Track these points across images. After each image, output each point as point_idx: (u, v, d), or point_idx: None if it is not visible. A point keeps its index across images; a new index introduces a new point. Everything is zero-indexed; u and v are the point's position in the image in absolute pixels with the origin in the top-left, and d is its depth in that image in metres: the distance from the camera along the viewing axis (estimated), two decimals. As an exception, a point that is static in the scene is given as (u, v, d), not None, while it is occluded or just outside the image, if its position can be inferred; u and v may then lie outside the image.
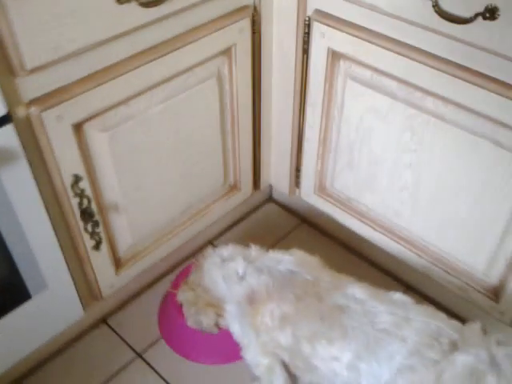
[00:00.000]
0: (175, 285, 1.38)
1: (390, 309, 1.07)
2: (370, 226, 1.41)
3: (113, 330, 1.45)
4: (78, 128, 1.03)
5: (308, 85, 1.31)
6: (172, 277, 1.55)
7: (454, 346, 1.00)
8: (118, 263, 1.28)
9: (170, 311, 1.40)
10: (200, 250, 1.62)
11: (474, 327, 1.03)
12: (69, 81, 0.97)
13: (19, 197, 0.99)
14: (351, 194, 1.41)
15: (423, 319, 1.05)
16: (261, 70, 1.33)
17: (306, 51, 1.28)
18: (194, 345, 1.39)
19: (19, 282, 1.09)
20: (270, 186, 1.74)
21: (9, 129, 0.91)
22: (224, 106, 1.30)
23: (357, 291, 1.11)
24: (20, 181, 0.98)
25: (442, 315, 1.07)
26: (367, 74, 1.20)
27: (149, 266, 1.37)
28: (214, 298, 1.24)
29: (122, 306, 1.50)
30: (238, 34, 1.20)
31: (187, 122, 1.23)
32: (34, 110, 0.94)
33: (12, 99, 0.91)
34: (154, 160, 1.21)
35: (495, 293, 1.26)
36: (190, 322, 1.28)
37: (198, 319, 1.26)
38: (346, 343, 1.06)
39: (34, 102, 0.94)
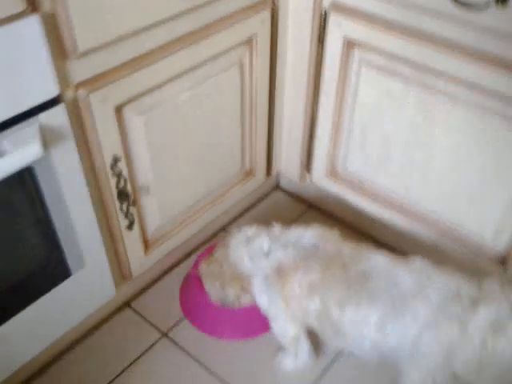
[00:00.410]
0: (196, 266, 1.44)
1: (411, 272, 1.14)
2: (381, 205, 1.50)
3: (137, 312, 1.51)
4: (118, 111, 1.09)
5: (323, 73, 1.39)
6: (189, 262, 1.62)
7: (474, 302, 1.07)
8: (146, 244, 1.34)
9: (192, 291, 1.46)
10: (213, 236, 1.69)
11: (493, 282, 1.11)
12: (113, 65, 1.03)
13: (66, 176, 1.04)
14: (363, 175, 1.50)
15: (443, 279, 1.12)
16: (276, 60, 1.40)
17: (321, 41, 1.35)
18: (218, 321, 1.45)
19: (62, 259, 1.14)
20: (278, 175, 1.81)
21: (60, 109, 0.97)
22: (244, 94, 1.37)
23: (379, 258, 1.18)
24: (68, 160, 1.03)
25: (461, 275, 1.14)
26: (381, 60, 1.28)
27: (173, 248, 1.43)
28: (239, 272, 1.28)
29: (145, 289, 1.56)
30: (260, 25, 1.28)
31: (211, 109, 1.30)
32: (81, 92, 1.00)
33: (62, 81, 0.97)
34: (181, 145, 1.28)
35: (503, 262, 1.35)
36: (213, 297, 1.33)
37: (222, 293, 1.30)
38: (372, 306, 1.13)
39: (81, 84, 1.00)
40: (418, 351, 1.14)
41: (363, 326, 1.16)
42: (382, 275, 1.15)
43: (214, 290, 1.33)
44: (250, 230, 1.29)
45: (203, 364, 1.40)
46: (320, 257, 1.20)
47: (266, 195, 1.85)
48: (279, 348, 1.39)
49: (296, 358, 1.36)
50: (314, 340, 1.36)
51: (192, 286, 1.47)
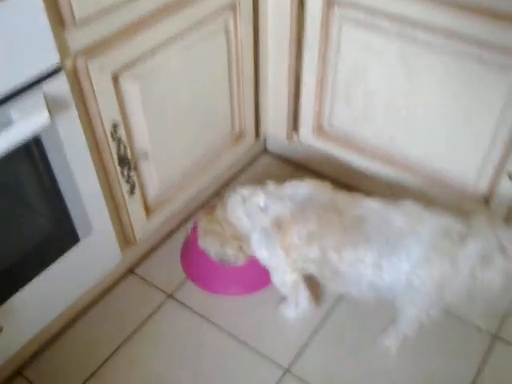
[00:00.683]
0: (195, 229, 1.49)
1: (403, 213, 1.21)
2: (368, 157, 1.57)
3: (141, 277, 1.56)
4: (115, 78, 1.12)
5: (305, 32, 1.43)
6: (187, 226, 1.67)
7: (463, 237, 1.14)
8: (147, 209, 1.38)
9: (193, 252, 1.51)
10: (209, 201, 1.74)
11: (480, 219, 1.18)
12: (107, 32, 1.07)
13: (71, 144, 1.08)
14: (349, 129, 1.56)
15: (433, 218, 1.20)
16: (259, 24, 1.44)
17: (301, 1, 1.40)
18: (220, 279, 1.51)
19: (70, 225, 1.18)
20: (265, 139, 1.86)
21: (61, 78, 1.01)
22: (230, 57, 1.41)
23: (371, 203, 1.25)
24: (71, 128, 1.07)
25: (449, 214, 1.21)
26: (361, 15, 1.33)
27: (172, 213, 1.48)
28: (238, 232, 1.34)
29: (147, 255, 1.61)
30: (242, -12, 1.32)
31: (201, 74, 1.34)
32: (80, 60, 1.03)
33: (61, 50, 1.00)
34: (175, 110, 1.32)
35: (486, 200, 1.43)
36: (213, 255, 1.37)
37: (221, 251, 1.35)
38: (368, 246, 1.20)
39: (79, 53, 1.04)
40: (412, 287, 1.21)
41: (360, 266, 1.23)
42: (375, 218, 1.22)
43: (213, 249, 1.37)
44: (246, 190, 1.34)
45: (210, 320, 1.46)
46: (316, 207, 1.26)
47: (254, 160, 1.90)
48: (281, 299, 1.46)
49: (297, 306, 1.43)
50: (314, 289, 1.43)
51: (192, 248, 1.52)
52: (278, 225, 1.26)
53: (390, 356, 1.38)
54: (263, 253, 1.34)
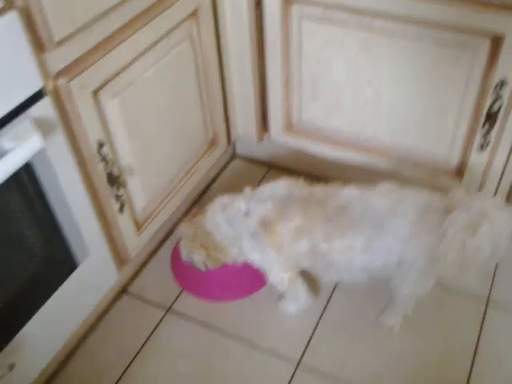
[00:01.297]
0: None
1: (383, 195, 1.25)
2: (340, 148, 1.61)
3: (136, 295, 1.55)
4: (95, 96, 1.12)
5: (265, 33, 1.47)
6: (173, 239, 1.67)
7: (446, 210, 1.19)
8: (137, 224, 1.38)
9: (183, 263, 1.51)
10: (188, 212, 1.74)
11: (459, 191, 1.23)
12: (84, 50, 1.06)
13: (61, 166, 1.07)
14: (319, 122, 1.60)
15: (413, 195, 1.24)
16: (219, 28, 1.47)
17: (258, 3, 1.43)
18: (215, 286, 1.52)
19: (68, 251, 1.16)
20: (233, 144, 1.88)
21: (46, 101, 1.00)
22: (197, 65, 1.43)
23: (350, 190, 1.29)
24: (60, 151, 1.06)
25: (427, 191, 1.26)
26: (318, 11, 1.38)
27: (159, 226, 1.48)
28: (211, 241, 1.36)
29: (137, 273, 1.59)
30: (202, -4, 1.34)
31: (173, 84, 1.35)
32: (62, 81, 1.02)
33: (43, 73, 0.99)
34: (153, 122, 1.32)
35: (458, 172, 1.50)
36: (184, 256, 1.41)
37: (190, 255, 1.39)
38: (355, 232, 1.24)
39: (59, 74, 1.03)
40: (404, 265, 1.26)
41: (351, 253, 1.26)
42: (357, 205, 1.26)
43: (184, 251, 1.40)
44: (225, 198, 1.36)
45: (213, 327, 1.47)
46: (298, 202, 1.29)
47: (225, 166, 1.91)
48: (279, 296, 1.48)
49: (297, 301, 1.45)
50: (310, 281, 1.46)
51: (181, 258, 1.52)
52: (265, 226, 1.28)
53: (392, 334, 1.42)
54: (255, 256, 1.36)
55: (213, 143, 1.63)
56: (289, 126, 1.65)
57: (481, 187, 1.49)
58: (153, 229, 1.44)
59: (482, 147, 1.41)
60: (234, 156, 1.94)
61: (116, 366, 1.39)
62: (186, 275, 1.55)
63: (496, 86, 1.28)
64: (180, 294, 1.54)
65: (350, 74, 1.45)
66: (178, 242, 1.56)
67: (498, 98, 1.30)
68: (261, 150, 1.84)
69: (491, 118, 1.34)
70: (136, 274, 1.59)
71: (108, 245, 1.29)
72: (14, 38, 0.90)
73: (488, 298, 1.49)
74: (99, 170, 1.18)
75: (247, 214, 1.31)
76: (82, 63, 1.06)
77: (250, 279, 1.53)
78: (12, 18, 0.88)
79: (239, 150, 1.92)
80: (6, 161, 0.90)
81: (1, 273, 1.06)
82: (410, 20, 1.29)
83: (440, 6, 1.23)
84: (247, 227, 1.31)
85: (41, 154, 1.00)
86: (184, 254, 1.41)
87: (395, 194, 1.26)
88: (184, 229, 1.41)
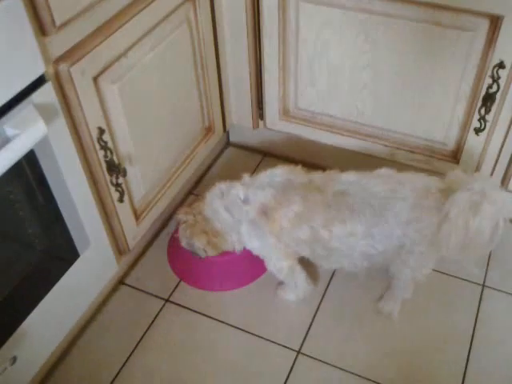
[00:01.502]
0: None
1: (382, 180, 1.25)
2: (337, 133, 1.61)
3: (133, 287, 1.53)
4: (95, 82, 1.09)
5: (262, 16, 1.45)
6: (169, 229, 1.65)
7: (443, 193, 1.20)
8: (136, 214, 1.36)
9: (181, 252, 1.50)
10: (184, 201, 1.72)
11: (457, 173, 1.23)
12: (84, 35, 1.04)
13: (62, 154, 1.04)
14: (316, 108, 1.59)
15: (412, 179, 1.25)
16: (215, 12, 1.45)
17: (255, -14, 1.41)
18: (214, 276, 1.51)
19: (70, 241, 1.14)
20: (227, 132, 1.86)
21: (48, 86, 0.97)
22: (195, 50, 1.41)
23: (349, 176, 1.28)
24: (61, 138, 1.03)
25: (423, 174, 1.26)
26: (317, -8, 1.37)
27: (157, 216, 1.46)
28: (210, 227, 1.35)
29: (134, 264, 1.57)
30: (199, -21, 1.32)
31: (171, 69, 1.33)
32: (63, 66, 1.00)
33: (45, 59, 0.96)
34: (152, 109, 1.30)
35: (454, 156, 1.51)
36: (184, 243, 1.39)
37: (190, 241, 1.37)
38: (355, 218, 1.24)
39: (60, 59, 1.00)
40: (404, 249, 1.26)
41: (352, 240, 1.26)
42: (356, 191, 1.25)
43: (184, 238, 1.39)
44: (224, 184, 1.34)
45: (213, 317, 1.46)
46: (296, 188, 1.28)
47: (219, 154, 1.90)
48: (278, 284, 1.48)
49: (296, 289, 1.45)
50: (309, 269, 1.45)
51: (179, 249, 1.50)
52: (264, 212, 1.28)
53: (391, 320, 1.43)
54: (254, 243, 1.35)
55: (209, 130, 1.61)
56: (285, 113, 1.64)
57: (477, 171, 1.50)
58: (151, 219, 1.43)
59: (479, 130, 1.42)
60: (227, 144, 1.93)
61: (116, 356, 1.37)
62: (183, 266, 1.54)
63: (494, 68, 1.28)
64: (178, 284, 1.53)
65: (347, 57, 1.44)
66: (174, 233, 1.55)
67: (495, 80, 1.31)
68: (255, 138, 1.83)
69: (488, 100, 1.35)
70: (133, 264, 1.57)
71: (108, 235, 1.27)
72: (18, 22, 0.87)
73: (484, 280, 1.51)
74: (99, 158, 1.15)
75: (246, 200, 1.30)
76: (83, 48, 1.04)
77: (248, 268, 1.52)
78: (16, 2, 0.85)
79: (233, 137, 1.90)
80: (10, 148, 0.87)
81: (3, 264, 1.04)
82: (408, 2, 1.28)
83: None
84: (246, 214, 1.30)
85: (43, 141, 0.97)
86: (183, 241, 1.39)
87: (393, 178, 1.26)
88: (183, 215, 1.39)
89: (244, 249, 1.40)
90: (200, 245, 1.35)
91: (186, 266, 1.53)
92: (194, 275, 1.52)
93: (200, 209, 1.37)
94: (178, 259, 1.55)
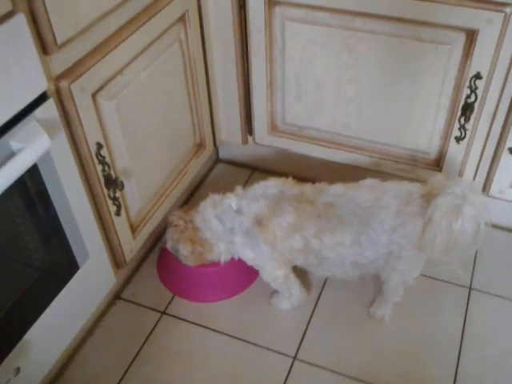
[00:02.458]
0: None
1: (366, 190, 1.31)
2: (324, 147, 1.66)
3: (129, 301, 1.55)
4: (94, 98, 1.13)
5: (249, 35, 1.51)
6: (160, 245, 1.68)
7: (425, 198, 1.25)
8: (132, 228, 1.39)
9: (171, 266, 1.54)
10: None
11: (439, 177, 1.28)
12: (83, 53, 1.08)
13: (63, 168, 1.08)
14: (303, 123, 1.65)
15: (395, 187, 1.30)
16: (204, 32, 1.51)
17: (242, 6, 1.47)
18: (206, 288, 1.54)
19: (70, 253, 1.17)
20: (216, 148, 1.91)
21: (50, 103, 1.01)
22: (186, 68, 1.46)
23: (336, 188, 1.34)
24: (62, 153, 1.07)
25: (406, 182, 1.32)
26: (302, 12, 1.43)
27: (152, 230, 1.49)
28: (198, 237, 1.39)
29: (129, 279, 1.60)
30: (189, 1, 1.37)
31: (164, 86, 1.38)
32: (63, 83, 1.04)
33: (47, 76, 1.00)
34: (146, 125, 1.35)
35: (437, 164, 1.57)
36: (169, 245, 1.43)
37: (176, 246, 1.41)
38: (344, 228, 1.29)
39: (61, 76, 1.04)
40: (392, 255, 1.31)
41: (341, 249, 1.31)
42: (343, 201, 1.31)
43: (171, 241, 1.43)
44: (217, 196, 1.39)
45: (209, 328, 1.48)
46: (289, 199, 1.33)
47: (209, 170, 1.94)
48: (271, 293, 1.52)
49: (290, 297, 1.49)
50: (302, 277, 1.50)
51: (168, 263, 1.54)
52: (259, 222, 1.31)
53: (383, 324, 1.47)
54: (249, 253, 1.38)
55: (200, 146, 1.66)
56: (273, 128, 1.70)
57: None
58: (146, 232, 1.46)
59: (459, 139, 1.48)
60: (217, 160, 1.97)
61: (114, 369, 1.39)
62: (175, 281, 1.57)
63: (471, 79, 1.35)
64: (174, 297, 1.56)
65: (332, 72, 1.50)
66: (162, 249, 1.58)
67: (473, 90, 1.38)
68: (244, 154, 1.88)
69: (467, 110, 1.42)
70: (129, 279, 1.59)
71: (106, 247, 1.30)
72: (22, 40, 0.91)
73: (471, 283, 1.56)
74: (97, 173, 1.19)
75: (239, 211, 1.34)
76: (82, 66, 1.08)
77: (238, 277, 1.55)
78: (20, 21, 0.89)
79: (223, 154, 1.95)
80: (16, 161, 0.91)
81: (5, 278, 1.06)
82: (389, 19, 1.35)
83: (418, 6, 1.29)
84: (240, 224, 1.34)
85: (46, 155, 1.01)
86: (169, 244, 1.43)
87: (377, 187, 1.32)
88: (175, 218, 1.42)
89: (232, 259, 1.43)
90: (184, 252, 1.39)
91: (176, 281, 1.56)
92: (185, 289, 1.55)
93: (192, 217, 1.41)
94: (169, 275, 1.58)
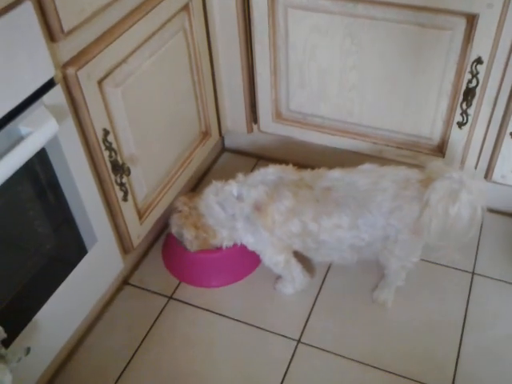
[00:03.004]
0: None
1: (364, 175, 1.33)
2: (328, 134, 1.68)
3: (137, 286, 1.58)
4: (99, 85, 1.16)
5: (253, 23, 1.53)
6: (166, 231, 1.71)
7: (423, 183, 1.26)
8: (139, 213, 1.42)
9: (176, 252, 1.57)
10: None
11: (437, 163, 1.30)
12: (89, 41, 1.11)
13: (71, 153, 1.11)
14: (307, 110, 1.67)
15: (393, 171, 1.32)
16: (208, 21, 1.53)
17: (245, -6, 1.50)
18: (210, 273, 1.57)
19: (79, 237, 1.20)
20: (222, 137, 1.94)
21: (58, 89, 1.04)
22: (190, 57, 1.48)
23: (335, 173, 1.37)
24: (70, 138, 1.10)
25: (404, 167, 1.33)
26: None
27: (158, 216, 1.52)
28: (202, 223, 1.43)
29: (137, 264, 1.63)
30: (192, -11, 1.40)
31: (169, 74, 1.41)
32: (70, 70, 1.07)
33: (54, 63, 1.03)
34: (152, 113, 1.37)
35: (440, 150, 1.59)
36: (174, 230, 1.47)
37: (180, 231, 1.44)
38: (341, 211, 1.31)
39: (68, 64, 1.07)
40: (389, 238, 1.33)
41: (339, 232, 1.34)
42: (341, 185, 1.33)
43: (176, 226, 1.46)
44: (219, 182, 1.43)
45: (215, 312, 1.51)
46: (287, 185, 1.36)
47: (215, 159, 1.97)
48: (275, 279, 1.54)
49: (293, 281, 1.51)
50: (305, 262, 1.52)
51: (174, 249, 1.57)
52: (258, 208, 1.34)
53: (386, 309, 1.49)
54: (249, 239, 1.42)
55: (206, 134, 1.68)
56: (277, 115, 1.72)
57: (462, 163, 1.58)
58: (153, 218, 1.49)
59: (462, 124, 1.50)
60: (223, 149, 1.99)
61: (123, 352, 1.42)
62: (180, 267, 1.59)
63: (473, 64, 1.37)
64: (180, 282, 1.59)
65: (335, 59, 1.52)
66: (167, 236, 1.61)
67: (474, 75, 1.39)
68: (249, 143, 1.90)
69: (469, 95, 1.43)
70: (136, 265, 1.63)
71: (114, 232, 1.33)
72: (30, 28, 0.94)
73: (473, 268, 1.58)
74: (104, 158, 1.22)
75: (240, 197, 1.37)
76: (88, 54, 1.11)
77: (240, 262, 1.58)
78: (28, 8, 0.92)
79: (228, 143, 1.97)
80: (26, 144, 0.94)
81: (17, 260, 1.09)
82: (389, 5, 1.37)
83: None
84: (241, 210, 1.37)
85: (54, 140, 1.04)
86: (174, 229, 1.46)
87: (375, 172, 1.34)
88: (180, 204, 1.46)
89: (234, 245, 1.47)
90: (188, 236, 1.42)
91: (182, 267, 1.59)
92: (191, 275, 1.58)
93: (196, 204, 1.45)
94: (175, 262, 1.61)
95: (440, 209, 1.20)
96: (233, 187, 1.39)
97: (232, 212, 1.39)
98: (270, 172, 1.39)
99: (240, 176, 1.41)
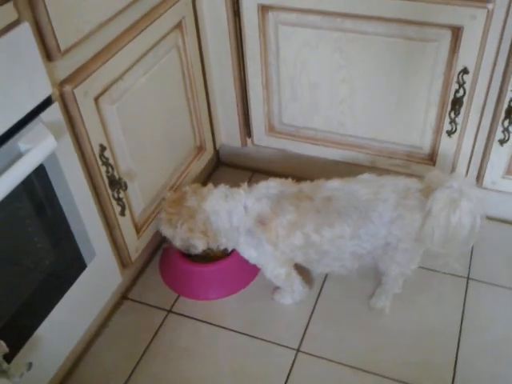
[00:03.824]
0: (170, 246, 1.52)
1: (364, 185, 1.35)
2: (321, 146, 1.71)
3: (136, 301, 1.59)
4: (96, 102, 1.19)
5: (244, 40, 1.57)
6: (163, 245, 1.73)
7: (422, 192, 1.29)
8: (136, 228, 1.44)
9: (174, 266, 1.59)
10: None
11: (435, 173, 1.33)
12: (85, 59, 1.14)
13: (69, 170, 1.13)
14: (299, 123, 1.70)
15: (392, 181, 1.35)
16: (200, 38, 1.56)
17: (236, 13, 1.53)
18: (207, 285, 1.59)
19: (78, 252, 1.22)
20: (217, 151, 1.96)
21: (55, 106, 1.07)
22: (184, 73, 1.52)
23: (334, 183, 1.39)
24: (67, 155, 1.13)
25: (403, 177, 1.36)
26: (293, 16, 1.49)
27: (156, 230, 1.53)
28: (209, 229, 1.38)
29: (135, 279, 1.64)
30: (185, 7, 1.43)
31: (163, 91, 1.44)
32: (67, 88, 1.10)
33: (51, 81, 1.06)
34: (147, 128, 1.40)
35: (431, 158, 1.62)
36: (177, 243, 1.40)
37: (190, 242, 1.38)
38: (342, 221, 1.33)
39: (64, 81, 1.10)
40: (390, 247, 1.35)
41: (341, 242, 1.35)
42: (341, 194, 1.35)
43: (178, 236, 1.40)
44: (225, 188, 1.41)
45: (214, 324, 1.52)
46: (288, 198, 1.37)
47: (211, 174, 1.99)
48: (274, 289, 1.56)
49: (292, 292, 1.53)
50: (303, 273, 1.54)
51: (171, 263, 1.59)
52: (261, 222, 1.36)
53: (384, 315, 1.51)
54: (252, 253, 1.43)
55: (201, 149, 1.71)
56: (270, 129, 1.75)
57: (452, 171, 1.61)
58: (151, 232, 1.51)
59: (451, 133, 1.53)
60: (218, 163, 2.02)
61: (124, 366, 1.43)
62: (177, 280, 1.61)
63: (459, 74, 1.40)
64: (178, 296, 1.60)
65: (325, 73, 1.56)
66: (164, 250, 1.63)
67: (461, 85, 1.43)
68: (244, 156, 1.93)
69: (457, 104, 1.47)
70: (135, 279, 1.64)
71: (112, 246, 1.34)
72: (28, 48, 0.97)
73: (468, 273, 1.60)
74: (101, 174, 1.24)
75: (245, 209, 1.37)
76: (84, 71, 1.14)
77: (237, 274, 1.60)
78: (26, 29, 0.95)
79: (223, 157, 2.00)
80: (25, 160, 0.96)
81: (16, 275, 1.11)
82: (378, 19, 1.41)
83: (405, 6, 1.35)
84: (244, 224, 1.38)
85: (52, 156, 1.06)
86: (178, 242, 1.40)
87: (375, 182, 1.36)
88: (170, 196, 1.42)
89: (230, 257, 1.50)
90: (202, 246, 1.38)
91: (179, 281, 1.60)
92: (187, 287, 1.59)
93: (188, 197, 1.39)
94: (169, 273, 1.63)
95: (442, 218, 1.22)
96: (242, 197, 1.37)
97: (237, 224, 1.37)
98: (272, 185, 1.40)
99: (244, 186, 1.41)
